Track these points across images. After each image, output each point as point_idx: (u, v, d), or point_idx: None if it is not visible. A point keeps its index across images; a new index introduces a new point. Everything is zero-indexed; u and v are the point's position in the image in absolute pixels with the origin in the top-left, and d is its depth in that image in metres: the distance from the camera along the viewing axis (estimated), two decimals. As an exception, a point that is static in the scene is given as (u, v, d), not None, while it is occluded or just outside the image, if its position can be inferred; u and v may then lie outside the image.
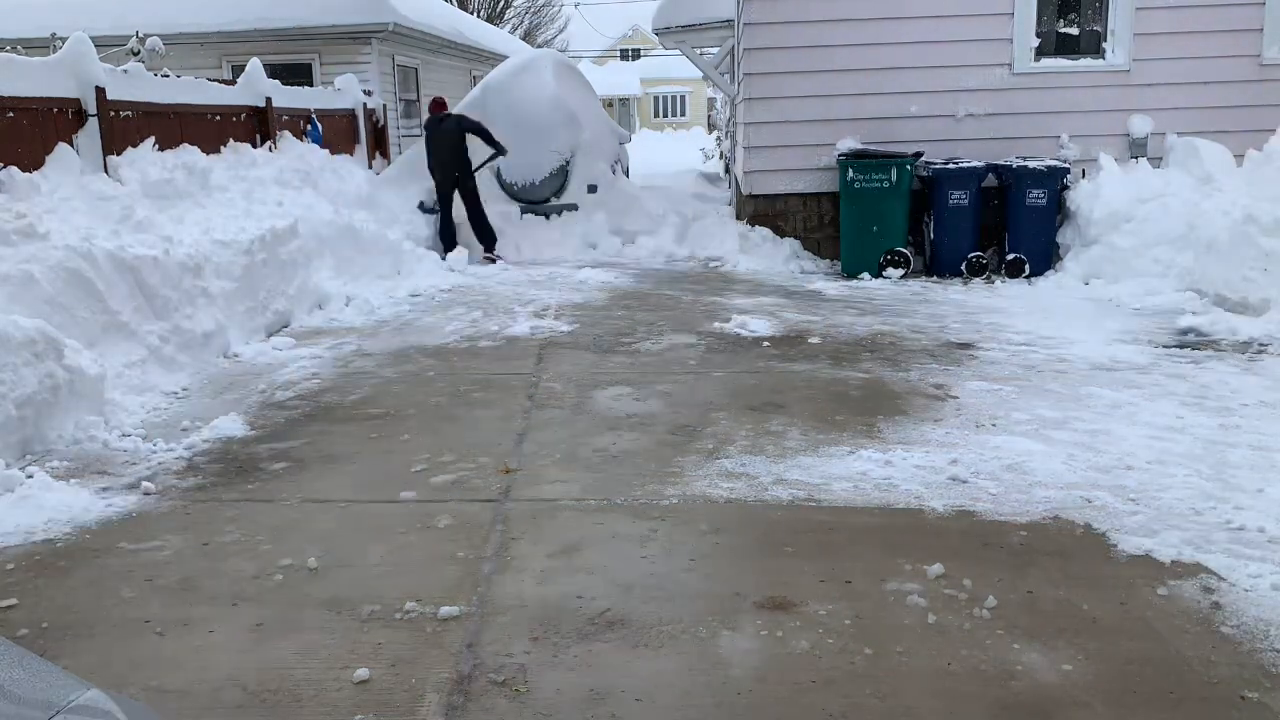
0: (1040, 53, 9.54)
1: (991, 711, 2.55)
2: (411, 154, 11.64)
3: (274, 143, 9.76)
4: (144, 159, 7.40)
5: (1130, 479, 4.07)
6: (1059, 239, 9.07)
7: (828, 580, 3.26)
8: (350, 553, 3.57)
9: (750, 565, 3.40)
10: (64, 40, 7.40)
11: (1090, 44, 9.59)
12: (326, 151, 10.44)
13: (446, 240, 10.46)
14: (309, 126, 10.82)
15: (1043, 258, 9.02)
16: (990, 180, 9.12)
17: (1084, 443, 4.51)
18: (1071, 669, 2.73)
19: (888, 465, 4.27)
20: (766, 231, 10.06)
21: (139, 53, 11.34)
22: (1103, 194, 8.71)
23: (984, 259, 9.15)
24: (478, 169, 10.48)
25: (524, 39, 29.46)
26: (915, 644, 2.87)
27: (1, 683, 1.16)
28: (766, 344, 6.65)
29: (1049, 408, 5.06)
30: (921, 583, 3.22)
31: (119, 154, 7.27)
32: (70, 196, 6.32)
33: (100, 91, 7.19)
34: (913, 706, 2.58)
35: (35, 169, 6.44)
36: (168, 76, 9.30)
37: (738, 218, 11.44)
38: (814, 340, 6.70)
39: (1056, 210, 9.01)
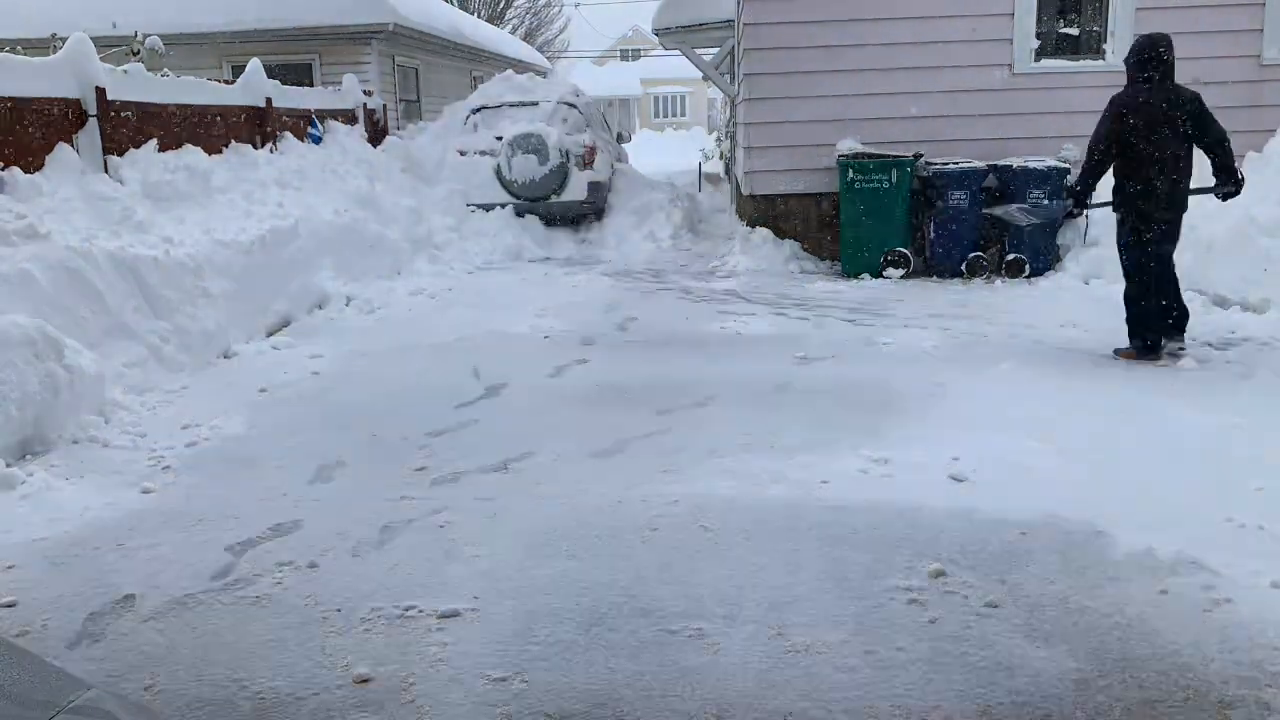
0: (1040, 53, 9.54)
1: (992, 711, 2.55)
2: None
3: (274, 143, 9.76)
4: (145, 160, 7.40)
5: (1130, 476, 4.08)
6: (1059, 240, 9.07)
7: (826, 578, 3.27)
8: (350, 552, 3.57)
9: (751, 563, 3.40)
10: (64, 40, 7.39)
11: (1090, 44, 9.59)
12: (327, 151, 10.43)
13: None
14: (310, 127, 10.82)
15: (1043, 258, 9.02)
16: (990, 181, 9.11)
17: (1084, 439, 4.52)
18: (1072, 667, 2.73)
19: (887, 463, 4.27)
20: (767, 232, 10.06)
21: (139, 53, 11.34)
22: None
23: (984, 259, 9.15)
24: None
25: (524, 39, 29.48)
26: (914, 642, 2.87)
27: (1, 683, 1.16)
28: (766, 344, 6.65)
29: (1050, 405, 5.06)
30: (921, 581, 3.22)
31: (120, 155, 7.27)
32: (71, 197, 6.32)
33: (100, 92, 7.19)
34: (912, 707, 2.58)
35: (36, 169, 6.44)
36: (167, 76, 9.29)
37: (738, 218, 11.45)
38: (813, 339, 6.71)
39: (1057, 210, 9.01)
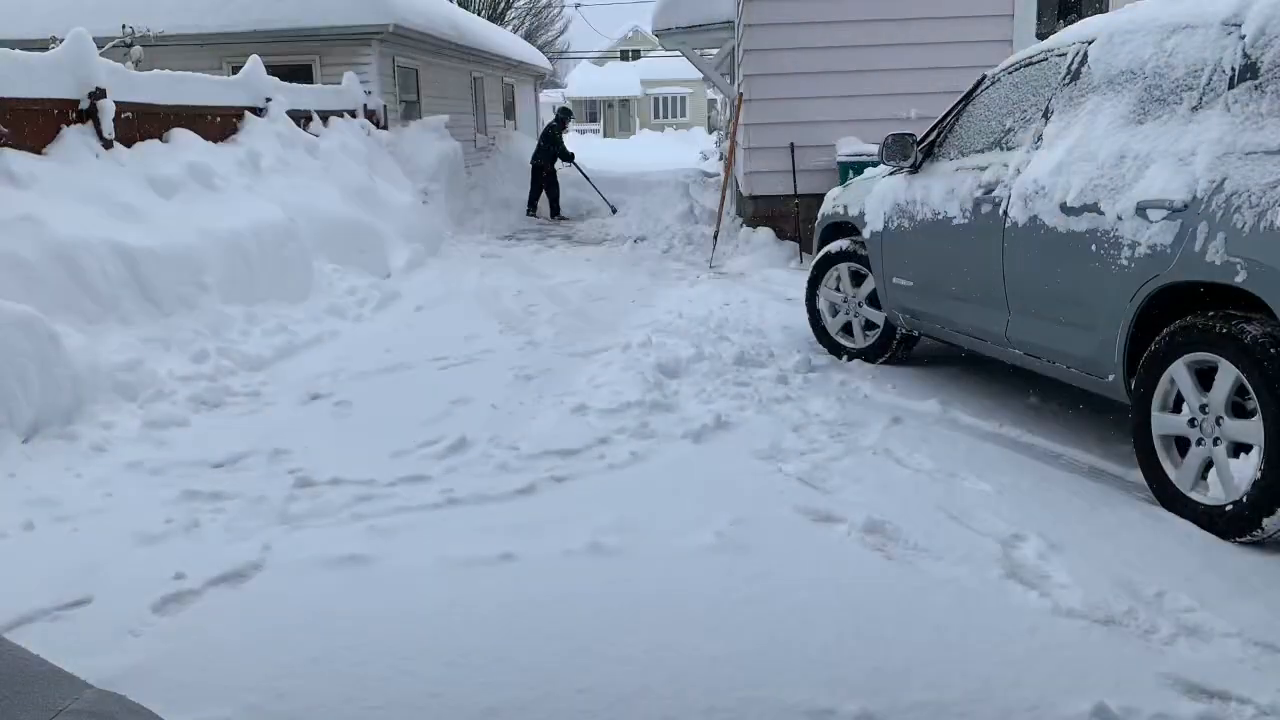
0: (1040, 54, 9.54)
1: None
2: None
3: (276, 140, 9.76)
4: (144, 155, 7.42)
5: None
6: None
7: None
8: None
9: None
10: (62, 42, 7.40)
11: (1090, 45, 9.59)
12: (328, 147, 10.44)
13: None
14: (309, 126, 10.83)
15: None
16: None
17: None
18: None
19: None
20: (768, 232, 10.07)
21: (132, 44, 11.41)
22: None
23: (984, 260, 9.16)
24: None
25: (525, 39, 29.51)
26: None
27: (1, 683, 1.16)
28: (766, 349, 6.66)
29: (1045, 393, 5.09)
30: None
31: (121, 149, 7.28)
32: (70, 191, 6.34)
33: (100, 90, 7.20)
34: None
35: (36, 165, 6.44)
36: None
37: (738, 219, 11.46)
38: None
39: (1056, 211, 9.02)
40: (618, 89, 51.95)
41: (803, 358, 5.84)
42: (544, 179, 15.50)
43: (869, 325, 6.03)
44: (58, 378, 4.72)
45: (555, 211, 15.52)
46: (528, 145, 20.18)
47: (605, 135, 46.28)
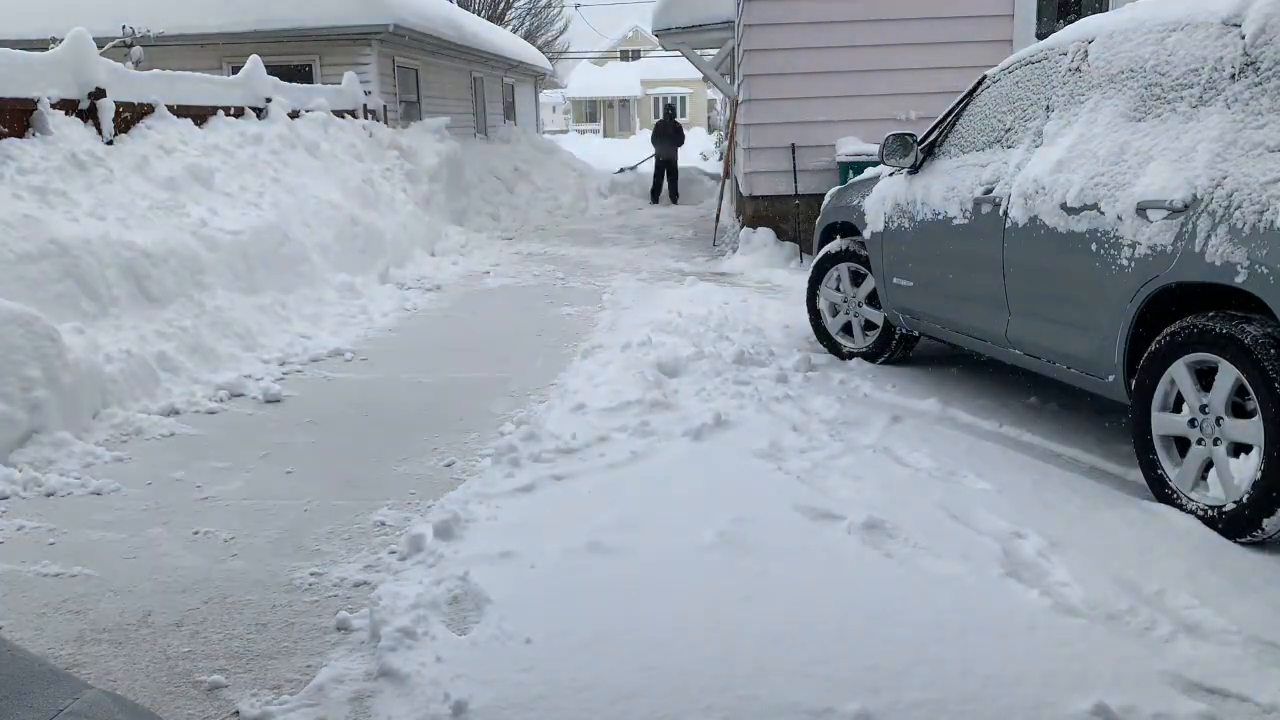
0: (1040, 54, 9.53)
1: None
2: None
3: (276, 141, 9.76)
4: (144, 155, 7.41)
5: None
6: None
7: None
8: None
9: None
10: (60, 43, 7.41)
11: (1090, 45, 9.58)
12: (330, 147, 10.44)
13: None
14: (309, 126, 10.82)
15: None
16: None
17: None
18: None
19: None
20: (768, 233, 10.07)
21: (132, 44, 11.41)
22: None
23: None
24: None
25: (525, 40, 29.49)
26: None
27: (0, 683, 1.16)
28: (766, 348, 6.66)
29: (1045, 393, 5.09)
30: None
31: (120, 149, 7.28)
32: (70, 191, 6.34)
33: (100, 90, 7.21)
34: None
35: (34, 164, 6.43)
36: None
37: (738, 219, 11.46)
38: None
39: (1056, 211, 9.01)
40: (618, 89, 51.96)
41: (802, 357, 5.84)
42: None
43: (869, 325, 6.03)
44: (57, 376, 4.72)
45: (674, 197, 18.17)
46: (527, 145, 20.14)
47: (605, 135, 46.29)
